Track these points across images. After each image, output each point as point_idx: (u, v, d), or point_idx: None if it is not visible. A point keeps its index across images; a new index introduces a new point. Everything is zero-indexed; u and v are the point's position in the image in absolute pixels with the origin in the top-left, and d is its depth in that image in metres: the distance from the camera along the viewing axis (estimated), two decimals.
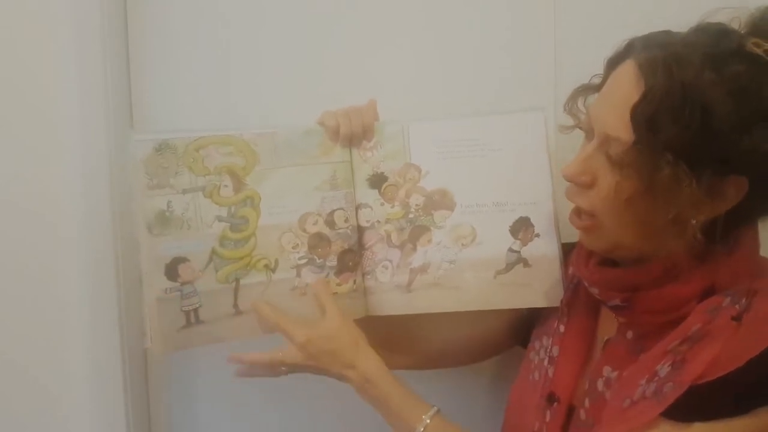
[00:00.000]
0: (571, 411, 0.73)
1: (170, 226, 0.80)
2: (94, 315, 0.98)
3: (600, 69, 0.72)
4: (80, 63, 0.95)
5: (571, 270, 0.81)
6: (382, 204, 0.87)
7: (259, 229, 0.83)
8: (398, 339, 0.90)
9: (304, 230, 0.84)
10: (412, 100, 0.96)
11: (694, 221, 0.62)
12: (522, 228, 0.84)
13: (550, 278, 0.83)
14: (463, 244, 0.85)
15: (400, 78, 0.99)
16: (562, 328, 0.77)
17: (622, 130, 0.63)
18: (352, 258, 0.86)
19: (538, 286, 0.83)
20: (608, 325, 0.74)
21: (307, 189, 0.85)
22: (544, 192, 0.83)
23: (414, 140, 0.86)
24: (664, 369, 0.62)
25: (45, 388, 0.99)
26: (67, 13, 0.94)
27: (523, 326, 0.87)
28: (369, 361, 0.77)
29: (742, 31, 0.62)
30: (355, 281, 0.86)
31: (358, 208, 0.87)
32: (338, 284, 0.85)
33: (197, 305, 0.81)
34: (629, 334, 0.71)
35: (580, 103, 0.75)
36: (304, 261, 0.84)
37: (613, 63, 0.69)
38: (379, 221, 0.87)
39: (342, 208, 0.86)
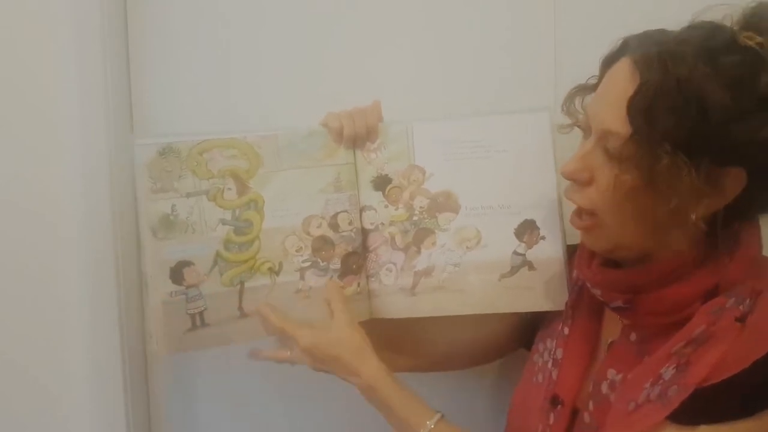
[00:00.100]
0: (575, 414, 0.73)
1: (174, 229, 0.81)
2: (94, 315, 0.98)
3: None
4: (80, 63, 0.95)
5: (575, 272, 0.80)
6: (386, 206, 0.86)
7: (263, 232, 0.83)
8: (402, 341, 0.90)
9: (308, 233, 0.84)
10: (412, 100, 0.96)
11: (693, 216, 0.62)
12: (527, 231, 0.83)
13: (556, 281, 0.82)
14: (467, 247, 0.84)
15: (400, 78, 0.99)
16: (566, 331, 0.77)
17: (619, 124, 0.63)
18: (355, 261, 0.86)
19: (543, 290, 0.82)
20: (613, 327, 0.74)
21: (311, 191, 0.84)
22: (549, 194, 0.82)
23: (418, 141, 0.85)
24: (668, 372, 0.62)
25: (45, 388, 0.99)
26: (67, 13, 0.94)
27: (528, 329, 0.87)
28: (373, 369, 0.77)
29: (735, 27, 0.62)
30: (359, 284, 0.86)
31: (362, 210, 0.87)
32: (342, 287, 0.85)
33: (202, 308, 0.82)
34: (633, 336, 0.70)
35: (577, 103, 0.75)
36: (307, 264, 0.84)
37: (609, 62, 0.69)
38: (383, 224, 0.86)
39: (346, 211, 0.86)
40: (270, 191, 0.83)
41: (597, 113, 0.67)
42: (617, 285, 0.70)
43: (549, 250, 0.83)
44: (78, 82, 0.95)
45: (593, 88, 0.72)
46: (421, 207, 0.85)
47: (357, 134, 0.85)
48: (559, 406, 0.73)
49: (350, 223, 0.86)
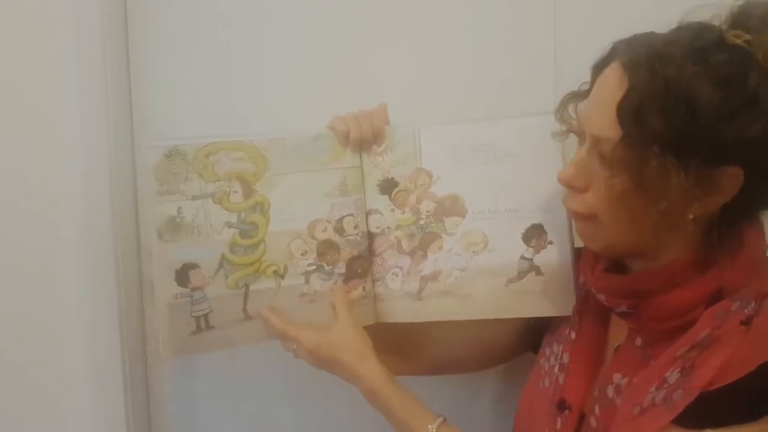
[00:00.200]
0: (581, 418, 0.72)
1: (180, 232, 0.81)
2: (94, 315, 0.98)
3: None
4: (80, 63, 0.95)
5: (582, 278, 0.80)
6: (392, 210, 0.86)
7: (269, 235, 0.83)
8: (408, 345, 0.90)
9: (313, 237, 0.84)
10: (412, 100, 0.96)
11: (691, 216, 0.62)
12: (535, 235, 0.82)
13: (563, 287, 0.81)
14: (474, 252, 0.84)
15: (400, 78, 0.99)
16: (573, 335, 0.77)
17: (610, 129, 0.63)
18: (361, 265, 0.86)
19: (551, 295, 0.81)
20: (619, 332, 0.74)
21: (317, 195, 0.84)
22: (557, 198, 0.81)
23: (425, 145, 0.85)
24: (673, 376, 0.62)
25: (45, 388, 0.99)
26: (67, 13, 0.94)
27: (535, 332, 0.86)
28: (374, 372, 0.77)
29: (723, 26, 0.62)
30: (364, 288, 0.86)
31: (368, 214, 0.86)
32: (347, 291, 0.85)
33: (207, 311, 0.82)
34: (638, 341, 0.70)
35: (570, 109, 0.75)
36: (312, 268, 0.84)
37: (599, 67, 0.69)
38: (389, 227, 0.86)
39: (352, 215, 0.85)
40: (276, 194, 0.83)
41: (589, 119, 0.67)
42: (621, 290, 0.70)
43: (556, 255, 0.82)
44: (78, 82, 0.95)
45: (586, 94, 0.72)
46: (427, 211, 0.85)
47: (363, 137, 0.84)
48: (566, 411, 0.73)
49: (356, 227, 0.86)
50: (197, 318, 0.81)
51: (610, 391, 0.69)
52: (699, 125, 0.59)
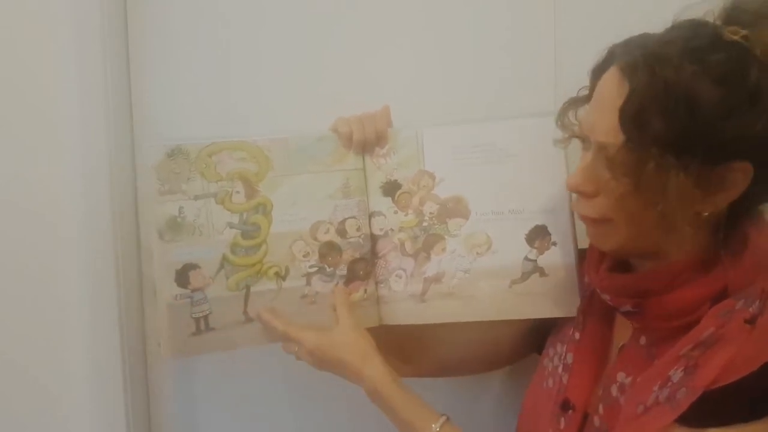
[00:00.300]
0: (585, 418, 0.72)
1: (181, 232, 0.80)
2: (94, 315, 0.98)
3: None
4: (80, 63, 0.95)
5: (586, 278, 0.79)
6: (395, 212, 0.86)
7: (271, 236, 0.83)
8: (411, 347, 0.90)
9: (315, 239, 0.84)
10: (412, 100, 0.96)
11: (705, 213, 0.62)
12: (538, 236, 0.82)
13: (567, 288, 0.81)
14: (477, 253, 0.83)
15: (400, 78, 0.99)
16: (577, 335, 0.77)
17: (614, 134, 0.63)
18: (363, 267, 0.86)
19: (554, 296, 0.81)
20: (624, 331, 0.73)
21: (320, 197, 0.84)
22: (561, 199, 0.81)
23: (428, 146, 0.85)
24: (677, 374, 0.62)
25: (45, 388, 0.99)
26: (67, 13, 0.94)
27: (539, 334, 0.86)
28: (377, 372, 0.77)
29: (717, 22, 0.62)
30: (366, 290, 0.86)
31: (371, 216, 0.86)
32: (348, 293, 0.85)
33: (207, 312, 0.81)
34: (643, 340, 0.70)
35: (571, 116, 0.75)
36: (314, 269, 0.84)
37: (598, 72, 0.69)
38: (392, 229, 0.86)
39: (354, 217, 0.85)
40: (278, 195, 0.83)
41: (592, 125, 0.67)
42: (625, 289, 0.70)
43: (560, 256, 0.82)
44: (78, 82, 0.95)
45: (585, 99, 0.72)
46: (430, 213, 0.85)
47: (366, 139, 0.84)
48: (570, 411, 0.73)
49: (358, 229, 0.85)
50: (197, 319, 0.81)
51: (614, 391, 0.69)
52: (700, 125, 0.59)
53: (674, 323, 0.66)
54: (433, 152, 0.85)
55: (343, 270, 0.85)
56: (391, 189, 0.86)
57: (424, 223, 0.85)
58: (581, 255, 0.81)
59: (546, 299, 0.82)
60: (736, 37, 0.60)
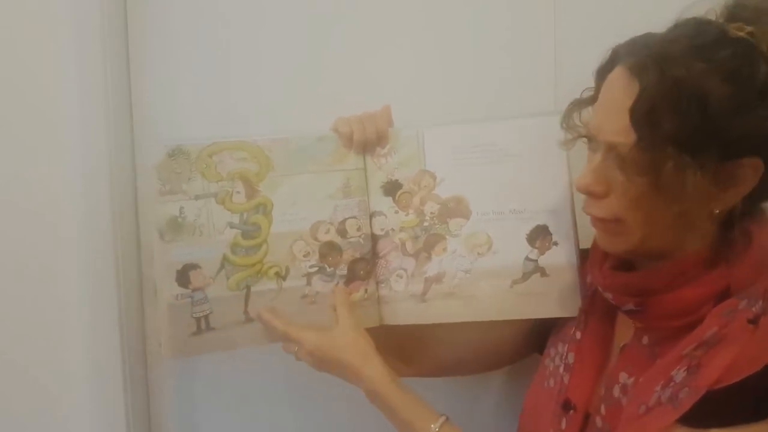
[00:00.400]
0: (586, 418, 0.72)
1: (182, 232, 0.80)
2: (94, 315, 0.98)
3: None
4: (80, 63, 0.95)
5: (588, 277, 0.79)
6: (396, 212, 0.85)
7: (271, 236, 0.83)
8: (412, 347, 0.90)
9: (316, 239, 0.84)
10: (412, 100, 0.96)
11: (717, 210, 0.62)
12: (540, 236, 0.82)
13: (568, 288, 0.81)
14: (478, 253, 0.83)
15: (400, 78, 0.99)
16: (578, 335, 0.76)
17: (624, 134, 0.62)
18: (363, 267, 0.86)
19: (556, 296, 0.81)
20: (626, 331, 0.73)
21: (320, 197, 0.84)
22: (562, 199, 0.81)
23: (429, 146, 0.84)
24: (679, 374, 0.62)
25: (45, 388, 0.99)
26: (67, 13, 0.94)
27: (540, 334, 0.86)
28: (376, 372, 0.77)
29: (721, 20, 0.62)
30: (366, 290, 0.86)
31: (372, 216, 0.86)
32: (348, 293, 0.85)
33: (208, 312, 0.81)
34: (645, 340, 0.70)
35: (575, 117, 0.75)
36: (314, 269, 0.84)
37: (603, 73, 0.69)
38: (393, 229, 0.86)
39: (354, 217, 0.85)
40: (279, 195, 0.83)
41: (601, 126, 0.67)
42: (628, 288, 0.70)
43: (562, 256, 0.81)
44: (78, 82, 0.95)
45: (590, 101, 0.72)
46: (431, 212, 0.85)
47: (367, 139, 0.84)
48: (572, 411, 0.72)
49: (359, 229, 0.85)
50: (197, 319, 0.81)
51: (616, 391, 0.69)
52: (712, 122, 0.59)
53: (677, 322, 0.66)
54: (433, 152, 0.85)
55: (343, 270, 0.85)
56: (391, 189, 0.86)
57: (425, 223, 0.85)
58: (583, 255, 0.81)
59: (547, 299, 0.81)
60: (741, 34, 0.60)
